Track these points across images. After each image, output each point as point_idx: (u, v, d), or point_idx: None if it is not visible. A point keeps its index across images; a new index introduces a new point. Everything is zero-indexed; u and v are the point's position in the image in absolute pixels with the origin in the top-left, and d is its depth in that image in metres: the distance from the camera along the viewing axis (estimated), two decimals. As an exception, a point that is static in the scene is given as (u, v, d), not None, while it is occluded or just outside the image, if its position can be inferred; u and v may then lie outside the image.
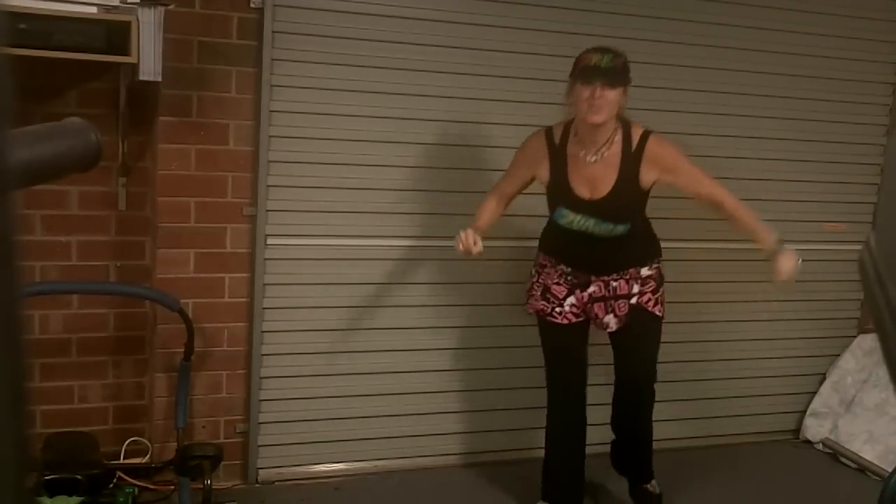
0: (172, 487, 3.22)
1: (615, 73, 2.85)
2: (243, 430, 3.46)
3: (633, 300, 3.07)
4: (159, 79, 2.91)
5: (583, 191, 2.97)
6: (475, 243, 2.90)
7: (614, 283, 3.06)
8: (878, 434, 3.96)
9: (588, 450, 3.31)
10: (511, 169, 3.16)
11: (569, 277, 3.10)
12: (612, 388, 3.29)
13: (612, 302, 3.08)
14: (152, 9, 2.82)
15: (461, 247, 2.90)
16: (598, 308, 3.09)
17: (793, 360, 4.25)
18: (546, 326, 3.18)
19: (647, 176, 2.96)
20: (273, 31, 3.20)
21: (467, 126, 3.51)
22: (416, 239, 3.54)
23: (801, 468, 4.00)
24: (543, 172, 3.05)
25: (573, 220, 2.98)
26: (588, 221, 2.97)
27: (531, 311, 3.22)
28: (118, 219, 3.35)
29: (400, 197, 3.48)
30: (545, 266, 3.15)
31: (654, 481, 3.37)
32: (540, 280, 3.16)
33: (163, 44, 2.87)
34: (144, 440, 3.44)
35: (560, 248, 3.12)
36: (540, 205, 3.67)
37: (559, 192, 3.03)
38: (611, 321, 3.09)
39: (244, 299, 3.37)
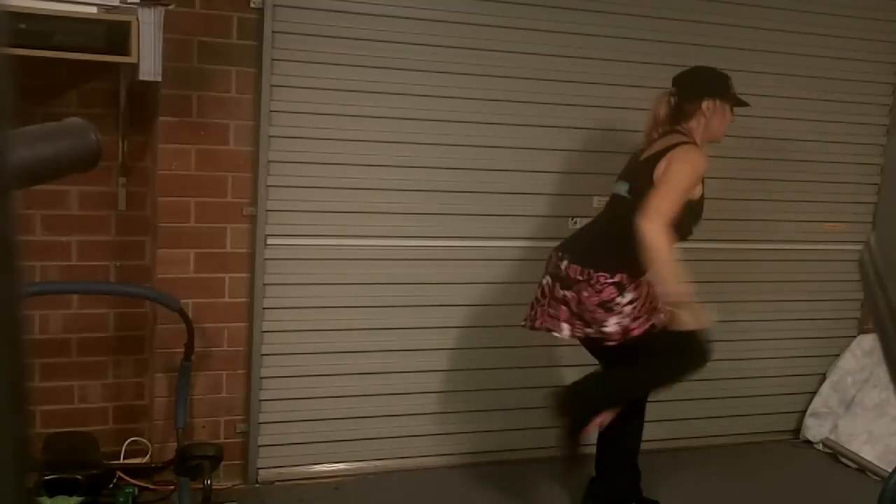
0: (172, 487, 3.22)
1: None
2: (243, 430, 3.46)
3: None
4: (159, 79, 2.91)
5: None
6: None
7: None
8: (878, 434, 3.96)
9: (588, 450, 3.31)
10: (683, 192, 2.89)
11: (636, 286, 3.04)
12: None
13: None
14: (152, 9, 2.82)
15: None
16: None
17: (793, 360, 4.25)
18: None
19: None
20: (273, 31, 3.20)
21: (467, 126, 3.51)
22: (416, 239, 3.54)
23: (801, 468, 4.00)
24: (699, 188, 2.99)
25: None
26: None
27: (643, 330, 2.98)
28: (118, 219, 3.35)
29: (400, 197, 3.48)
30: (642, 284, 3.00)
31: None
32: (647, 290, 3.02)
33: (163, 44, 2.87)
34: (144, 440, 3.44)
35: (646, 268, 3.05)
36: (540, 205, 3.68)
37: (700, 207, 3.03)
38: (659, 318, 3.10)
39: (244, 299, 3.37)
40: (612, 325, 2.94)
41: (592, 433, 3.13)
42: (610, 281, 2.93)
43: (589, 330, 3.00)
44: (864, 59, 4.05)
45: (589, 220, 3.32)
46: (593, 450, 3.33)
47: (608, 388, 3.15)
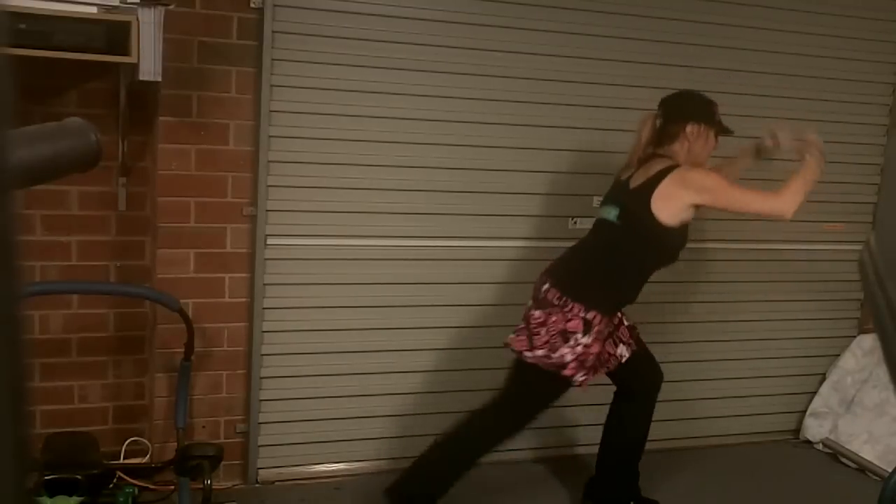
0: (172, 487, 3.22)
1: None
2: (243, 430, 3.46)
3: (626, 321, 3.17)
4: (159, 79, 2.90)
5: None
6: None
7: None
8: (878, 434, 3.96)
9: (584, 450, 3.32)
10: (725, 184, 2.94)
11: (608, 328, 3.05)
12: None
13: (616, 333, 3.13)
14: (152, 9, 2.82)
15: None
16: (608, 347, 3.11)
17: (793, 360, 4.25)
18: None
19: None
20: (273, 31, 3.20)
21: (467, 126, 3.51)
22: (416, 239, 3.54)
23: (801, 468, 4.00)
24: (692, 211, 2.97)
25: None
26: None
27: (581, 382, 2.99)
28: (118, 219, 3.35)
29: (400, 197, 3.48)
30: (600, 329, 2.97)
31: None
32: (601, 347, 3.02)
33: (163, 44, 2.87)
34: (144, 440, 3.44)
35: (633, 296, 3.07)
36: (539, 205, 3.68)
37: (686, 233, 3.03)
38: (624, 350, 3.14)
39: (244, 299, 3.37)
40: (557, 354, 2.91)
41: None
42: (582, 315, 2.90)
43: (529, 353, 2.95)
44: (864, 59, 4.05)
45: (589, 218, 3.32)
46: (594, 450, 3.34)
47: (437, 470, 3.10)
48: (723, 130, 3.07)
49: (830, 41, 3.97)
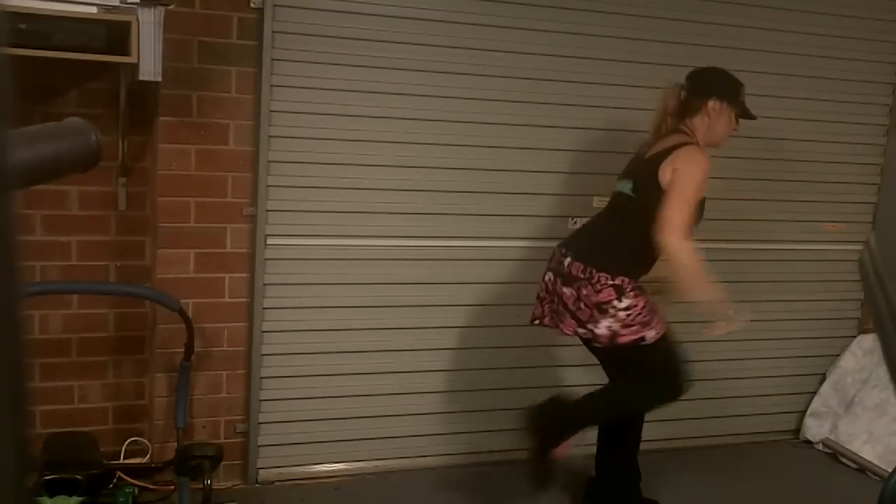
0: (172, 487, 3.22)
1: None
2: (243, 430, 3.46)
3: None
4: (159, 79, 2.90)
5: None
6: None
7: None
8: (878, 434, 3.96)
9: (584, 450, 3.31)
10: (695, 196, 2.91)
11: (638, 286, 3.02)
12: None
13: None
14: (152, 9, 2.82)
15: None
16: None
17: (793, 360, 4.25)
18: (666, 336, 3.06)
19: None
20: (273, 31, 3.20)
21: (467, 126, 3.51)
22: (416, 239, 3.54)
23: (801, 468, 4.00)
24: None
25: None
26: None
27: (658, 335, 2.99)
28: (118, 219, 3.35)
29: (400, 197, 3.48)
30: (634, 286, 2.98)
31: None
32: (646, 300, 3.00)
33: (163, 44, 2.87)
34: (144, 440, 3.44)
35: (650, 267, 3.07)
36: (540, 205, 3.68)
37: (701, 208, 3.02)
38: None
39: (244, 299, 3.37)
40: (602, 328, 2.94)
41: (562, 455, 3.10)
42: (610, 283, 2.92)
43: (581, 329, 3.00)
44: (864, 59, 4.05)
45: (589, 219, 3.32)
46: (593, 450, 3.34)
47: (580, 410, 3.13)
48: (745, 113, 3.08)
49: (830, 41, 3.97)
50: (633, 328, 2.94)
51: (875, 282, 0.95)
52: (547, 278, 3.11)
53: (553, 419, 3.08)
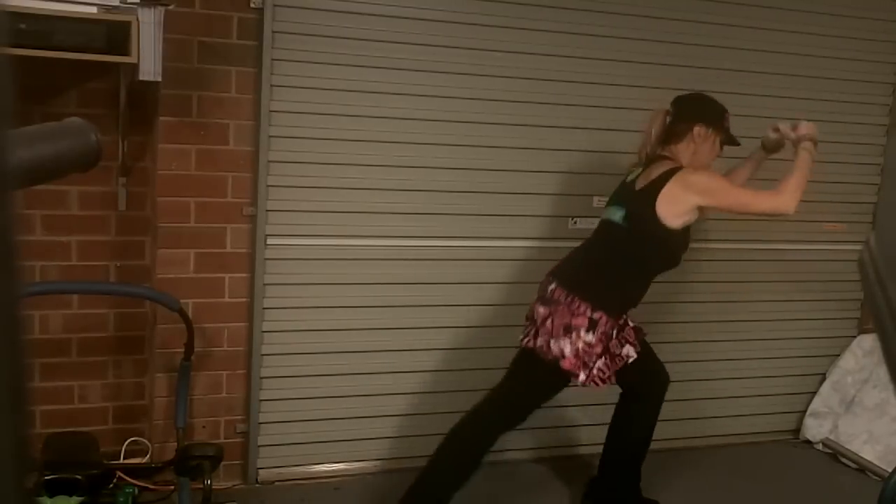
0: (172, 487, 3.22)
1: None
2: (243, 430, 3.46)
3: (631, 322, 3.13)
4: (159, 79, 2.90)
5: None
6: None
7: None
8: (878, 434, 3.96)
9: (584, 450, 3.31)
10: (727, 184, 3.02)
11: (613, 329, 3.00)
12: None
13: (622, 333, 3.07)
14: (152, 9, 2.82)
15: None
16: (613, 348, 3.04)
17: (793, 360, 4.25)
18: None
19: None
20: (273, 31, 3.20)
21: (467, 126, 3.51)
22: (416, 239, 3.54)
23: (801, 468, 4.00)
24: (695, 213, 2.99)
25: None
26: None
27: (574, 377, 2.97)
28: (118, 219, 3.35)
29: (400, 197, 3.48)
30: (605, 330, 2.95)
31: None
32: (603, 348, 2.98)
33: (163, 44, 2.87)
34: (144, 440, 3.44)
35: (638, 298, 3.07)
36: (540, 205, 3.68)
37: (689, 235, 3.04)
38: (630, 351, 3.08)
39: (244, 299, 3.37)
40: (556, 346, 2.92)
41: None
42: (588, 314, 2.90)
43: (538, 341, 2.97)
44: (864, 59, 4.05)
45: (589, 218, 3.32)
46: (596, 449, 3.34)
47: (434, 480, 3.09)
48: (729, 140, 3.08)
49: (830, 41, 3.97)
50: (577, 362, 2.92)
51: (875, 282, 0.95)
52: (532, 304, 3.09)
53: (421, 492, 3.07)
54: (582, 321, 2.90)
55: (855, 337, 4.30)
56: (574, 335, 2.90)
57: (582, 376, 2.94)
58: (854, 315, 4.32)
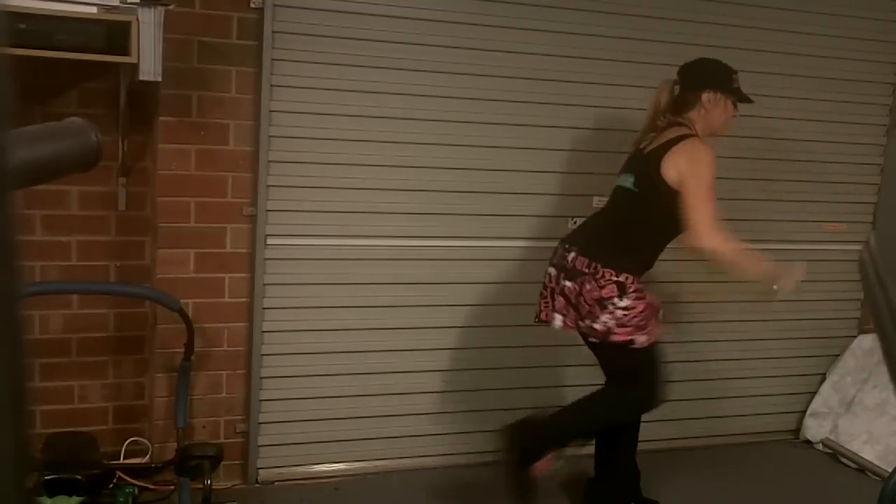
0: (172, 487, 3.22)
1: None
2: (243, 430, 3.46)
3: None
4: (159, 79, 2.90)
5: None
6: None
7: None
8: (878, 434, 3.96)
9: (584, 450, 3.31)
10: (710, 188, 2.92)
11: (640, 286, 3.01)
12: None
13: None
14: (152, 9, 2.82)
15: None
16: (651, 298, 3.07)
17: (793, 360, 4.25)
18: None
19: None
20: (273, 31, 3.20)
21: (467, 126, 3.51)
22: (417, 239, 3.54)
23: (801, 468, 4.00)
24: None
25: None
26: None
27: (648, 342, 2.99)
28: (118, 219, 3.35)
29: (400, 197, 3.48)
30: (637, 288, 2.97)
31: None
32: (645, 304, 2.98)
33: (163, 44, 2.86)
34: (144, 440, 3.44)
35: (653, 261, 3.08)
36: (540, 205, 3.68)
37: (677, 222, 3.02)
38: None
39: (244, 299, 3.37)
40: (599, 323, 2.95)
41: (543, 470, 3.08)
42: (614, 279, 2.92)
43: (581, 323, 3.00)
44: (864, 59, 4.05)
45: (591, 215, 3.31)
46: (591, 450, 3.34)
47: (558, 424, 3.13)
48: (741, 98, 3.08)
49: (830, 41, 3.97)
50: (627, 329, 2.94)
51: (875, 282, 0.95)
52: (550, 272, 3.11)
53: (532, 435, 3.08)
54: (611, 290, 2.92)
55: (855, 337, 4.30)
56: (610, 307, 2.92)
57: (642, 338, 2.95)
58: (854, 315, 4.32)
